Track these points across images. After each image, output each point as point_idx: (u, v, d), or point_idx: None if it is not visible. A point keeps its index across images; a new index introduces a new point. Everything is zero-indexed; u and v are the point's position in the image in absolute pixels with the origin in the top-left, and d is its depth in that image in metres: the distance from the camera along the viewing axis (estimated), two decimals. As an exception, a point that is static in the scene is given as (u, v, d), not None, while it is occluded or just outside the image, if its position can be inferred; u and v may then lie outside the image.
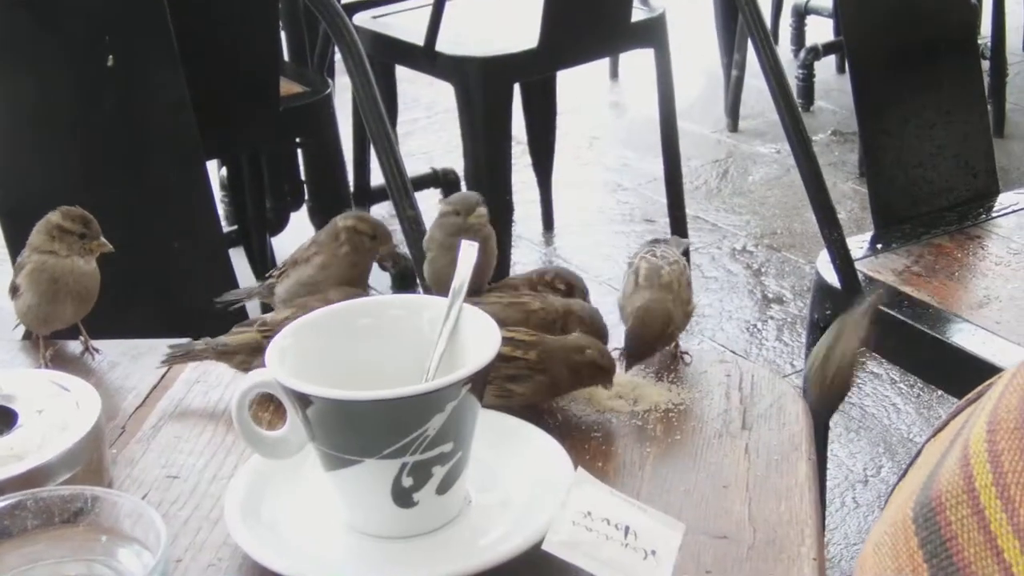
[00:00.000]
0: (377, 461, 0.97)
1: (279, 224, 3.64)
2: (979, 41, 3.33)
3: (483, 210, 1.35)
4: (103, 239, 1.35)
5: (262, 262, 3.52)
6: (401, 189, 1.86)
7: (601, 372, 1.19)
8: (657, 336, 1.25)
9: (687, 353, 1.29)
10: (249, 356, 1.25)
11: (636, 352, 1.25)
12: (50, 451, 1.07)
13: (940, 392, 3.09)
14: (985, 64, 4.16)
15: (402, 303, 1.12)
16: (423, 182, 3.84)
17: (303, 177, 3.68)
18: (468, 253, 1.10)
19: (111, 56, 1.83)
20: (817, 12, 5.18)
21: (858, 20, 2.37)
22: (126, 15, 1.85)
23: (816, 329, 2.24)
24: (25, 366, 1.35)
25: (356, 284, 1.34)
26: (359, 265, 1.37)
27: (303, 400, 0.97)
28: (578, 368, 1.18)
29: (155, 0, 1.85)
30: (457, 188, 3.94)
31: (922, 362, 2.18)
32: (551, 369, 1.17)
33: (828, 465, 2.65)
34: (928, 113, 2.39)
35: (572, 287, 1.33)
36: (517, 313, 1.24)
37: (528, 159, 4.05)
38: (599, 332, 1.25)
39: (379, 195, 3.89)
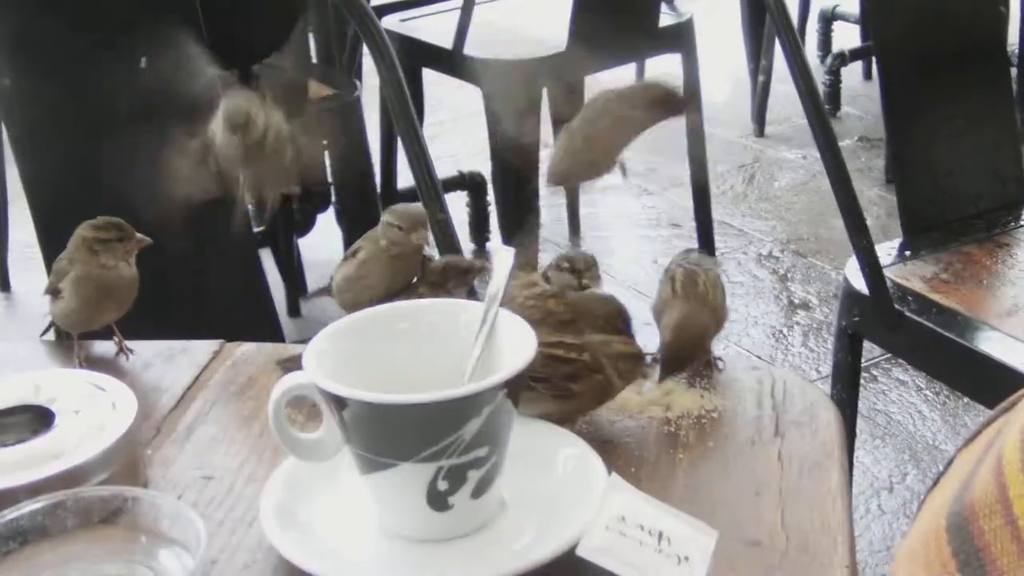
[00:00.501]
0: (413, 465, 0.98)
1: (306, 226, 3.65)
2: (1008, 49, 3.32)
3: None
4: (138, 234, 1.36)
5: (288, 264, 3.53)
6: (431, 192, 1.87)
7: (633, 360, 1.19)
8: (694, 350, 1.25)
9: (720, 359, 1.30)
10: None
11: (672, 365, 1.25)
12: (87, 451, 1.08)
13: (966, 400, 3.09)
14: (1013, 72, 4.15)
15: (439, 308, 1.13)
16: (450, 185, 3.84)
17: (329, 179, 3.69)
18: (504, 259, 1.11)
19: (144, 58, 1.84)
20: (844, 18, 5.18)
21: (888, 27, 2.37)
22: (159, 18, 1.86)
23: (844, 336, 2.24)
24: (60, 366, 1.35)
25: (400, 281, 1.33)
26: (402, 260, 1.35)
27: (340, 403, 0.98)
28: (624, 372, 1.18)
29: (187, 2, 1.86)
30: (484, 191, 3.95)
31: (950, 370, 2.17)
32: (605, 369, 1.17)
33: (853, 472, 2.65)
34: (957, 121, 2.39)
35: (578, 270, 1.31)
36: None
37: (554, 163, 4.05)
38: (619, 320, 1.24)
39: (406, 197, 3.89)
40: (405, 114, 1.86)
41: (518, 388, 1.00)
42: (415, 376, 1.05)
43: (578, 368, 1.16)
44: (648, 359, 1.25)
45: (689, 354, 1.26)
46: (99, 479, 1.07)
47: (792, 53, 2.10)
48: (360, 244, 1.38)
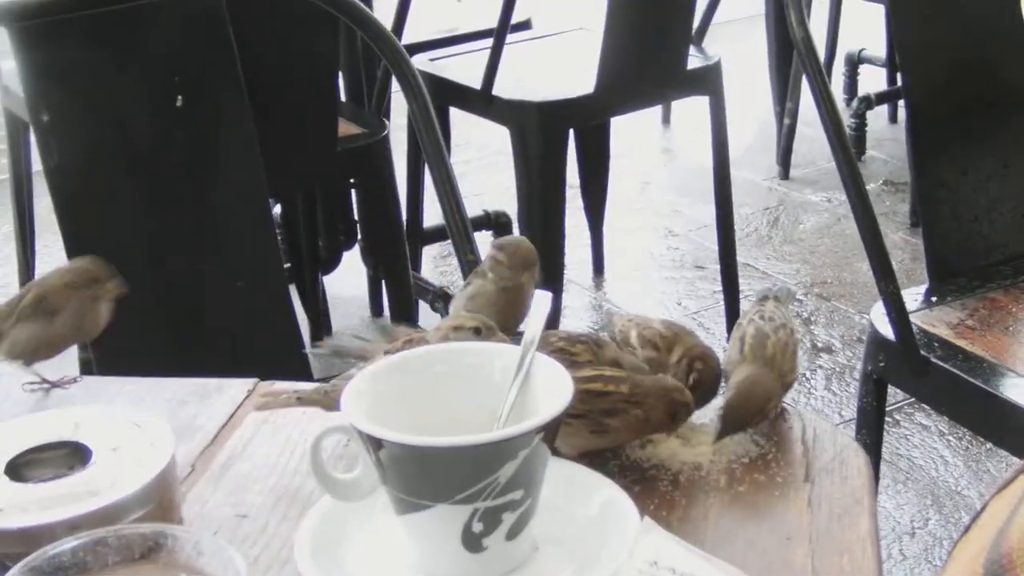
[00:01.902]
0: (449, 506, 0.99)
1: (331, 262, 3.67)
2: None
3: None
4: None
5: (314, 300, 3.55)
6: (462, 232, 1.88)
7: (684, 411, 1.20)
8: (755, 413, 1.25)
9: (786, 410, 1.30)
10: None
11: (731, 427, 1.25)
12: (124, 488, 1.09)
13: (989, 446, 3.08)
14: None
15: (476, 351, 1.14)
16: (475, 224, 3.83)
17: (355, 216, 3.71)
18: (542, 303, 1.12)
19: (180, 96, 1.86)
20: (870, 61, 5.20)
21: (918, 72, 2.38)
22: (196, 56, 1.88)
23: (870, 381, 2.25)
24: (100, 403, 1.37)
25: (511, 318, 1.32)
26: (510, 295, 1.34)
27: (376, 444, 0.99)
28: (675, 408, 1.19)
29: (224, 41, 1.88)
30: (509, 231, 3.96)
31: (975, 416, 2.18)
32: (645, 403, 1.17)
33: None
34: (985, 166, 2.40)
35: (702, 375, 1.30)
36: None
37: (579, 203, 4.07)
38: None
39: (432, 236, 3.92)
40: (437, 155, 1.87)
41: (554, 432, 1.01)
42: (451, 418, 1.06)
43: (615, 402, 1.16)
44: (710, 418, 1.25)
45: (750, 418, 1.26)
46: (136, 516, 1.08)
47: (820, 95, 2.11)
48: (470, 279, 1.38)
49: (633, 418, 1.17)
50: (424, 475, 0.99)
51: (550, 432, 1.00)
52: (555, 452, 1.09)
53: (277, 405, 1.28)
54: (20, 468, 1.15)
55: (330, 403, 1.25)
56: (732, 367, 1.29)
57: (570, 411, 1.07)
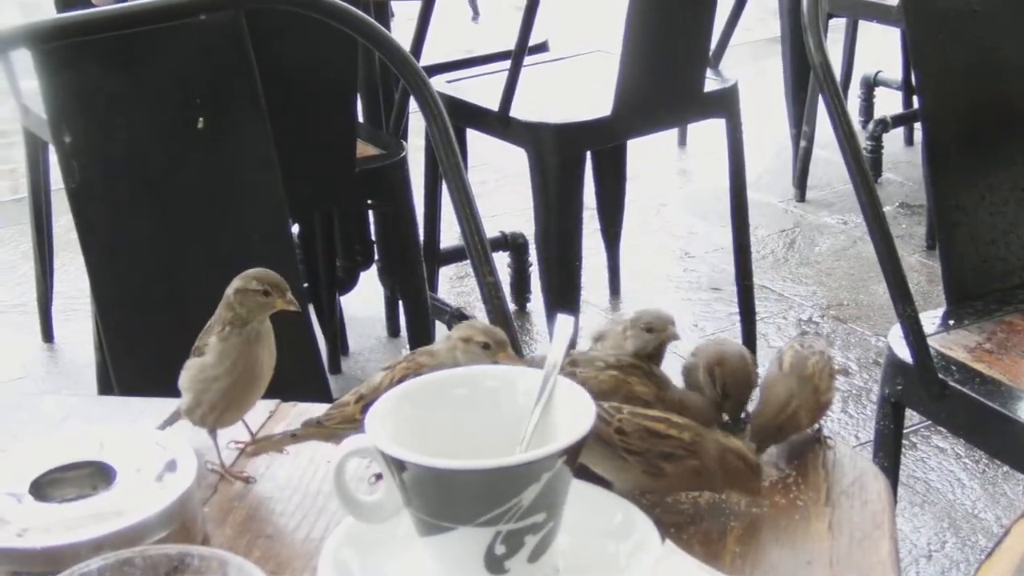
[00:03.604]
0: (472, 528, 0.99)
1: (348, 283, 3.69)
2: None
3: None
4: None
5: (331, 320, 3.55)
6: (481, 255, 1.88)
7: (748, 480, 1.18)
8: (784, 424, 1.25)
9: (830, 438, 1.30)
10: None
11: (759, 434, 1.25)
12: (148, 509, 1.10)
13: (1006, 469, 3.08)
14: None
15: (497, 374, 1.15)
16: (493, 245, 3.84)
17: (373, 236, 3.72)
18: (565, 327, 1.12)
19: (201, 118, 1.87)
20: (886, 84, 5.20)
21: (936, 95, 2.38)
22: (217, 78, 1.89)
23: (887, 404, 2.25)
24: (123, 423, 1.37)
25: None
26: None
27: (400, 466, 0.99)
28: (730, 471, 1.17)
29: (245, 63, 1.89)
30: (525, 252, 3.97)
31: (993, 439, 2.17)
32: (703, 456, 1.16)
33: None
34: (1002, 190, 2.40)
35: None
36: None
37: (596, 224, 4.07)
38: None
39: (448, 256, 3.93)
40: (456, 175, 1.87)
41: (576, 456, 1.01)
42: (473, 440, 1.06)
43: (675, 448, 1.15)
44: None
45: (779, 427, 1.26)
46: (159, 536, 1.09)
47: (838, 118, 2.11)
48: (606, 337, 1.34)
49: (688, 468, 1.16)
50: (447, 497, 1.00)
51: (573, 456, 1.00)
52: (607, 487, 1.11)
53: (272, 448, 1.29)
54: (44, 487, 1.15)
55: (326, 434, 1.25)
56: (766, 380, 1.30)
57: (628, 444, 1.08)
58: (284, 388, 1.37)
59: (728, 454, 1.17)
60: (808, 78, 4.59)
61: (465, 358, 1.21)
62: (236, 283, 1.28)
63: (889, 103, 5.21)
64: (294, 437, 1.27)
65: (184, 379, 1.29)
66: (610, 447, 1.14)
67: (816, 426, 1.30)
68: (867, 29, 4.97)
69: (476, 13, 4.81)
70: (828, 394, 1.30)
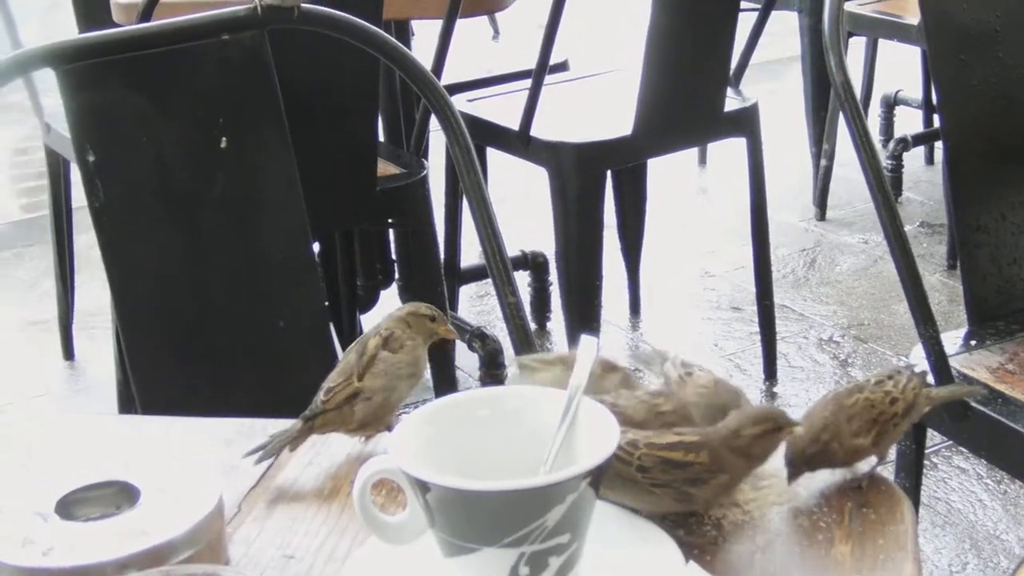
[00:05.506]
0: (496, 550, 0.99)
1: (369, 302, 3.69)
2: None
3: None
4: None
5: (351, 339, 3.55)
6: (502, 274, 1.88)
7: (769, 438, 1.18)
8: (820, 453, 1.24)
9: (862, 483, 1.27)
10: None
11: (796, 461, 1.24)
12: (173, 528, 1.10)
13: (1028, 490, 3.08)
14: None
15: (520, 395, 1.15)
16: (513, 265, 3.85)
17: (394, 255, 3.73)
18: (588, 348, 1.13)
19: (224, 138, 1.87)
20: (906, 103, 5.20)
21: (959, 114, 2.38)
22: (240, 97, 1.90)
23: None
24: (145, 441, 1.38)
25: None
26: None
27: (424, 487, 1.00)
28: (746, 450, 1.17)
29: (268, 82, 1.90)
30: (546, 271, 3.98)
31: (1015, 460, 2.17)
32: (726, 466, 1.16)
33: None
34: (1023, 209, 2.39)
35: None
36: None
37: (616, 243, 4.07)
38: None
39: (469, 275, 3.93)
40: (478, 194, 1.88)
41: (600, 477, 1.01)
42: (497, 461, 1.07)
43: (698, 473, 1.15)
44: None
45: (815, 456, 1.24)
46: (183, 557, 1.09)
47: (859, 138, 2.11)
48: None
49: (719, 483, 1.16)
50: (471, 518, 1.00)
51: (597, 477, 1.00)
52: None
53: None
54: (69, 506, 1.16)
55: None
56: (810, 410, 1.28)
57: (653, 480, 1.08)
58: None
59: (738, 438, 1.16)
60: (828, 96, 4.60)
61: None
62: (408, 307, 1.39)
63: (909, 122, 5.21)
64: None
65: (379, 369, 1.36)
66: (636, 484, 1.14)
67: (862, 470, 1.27)
68: (887, 47, 4.97)
69: (497, 32, 4.82)
70: (861, 439, 1.26)
